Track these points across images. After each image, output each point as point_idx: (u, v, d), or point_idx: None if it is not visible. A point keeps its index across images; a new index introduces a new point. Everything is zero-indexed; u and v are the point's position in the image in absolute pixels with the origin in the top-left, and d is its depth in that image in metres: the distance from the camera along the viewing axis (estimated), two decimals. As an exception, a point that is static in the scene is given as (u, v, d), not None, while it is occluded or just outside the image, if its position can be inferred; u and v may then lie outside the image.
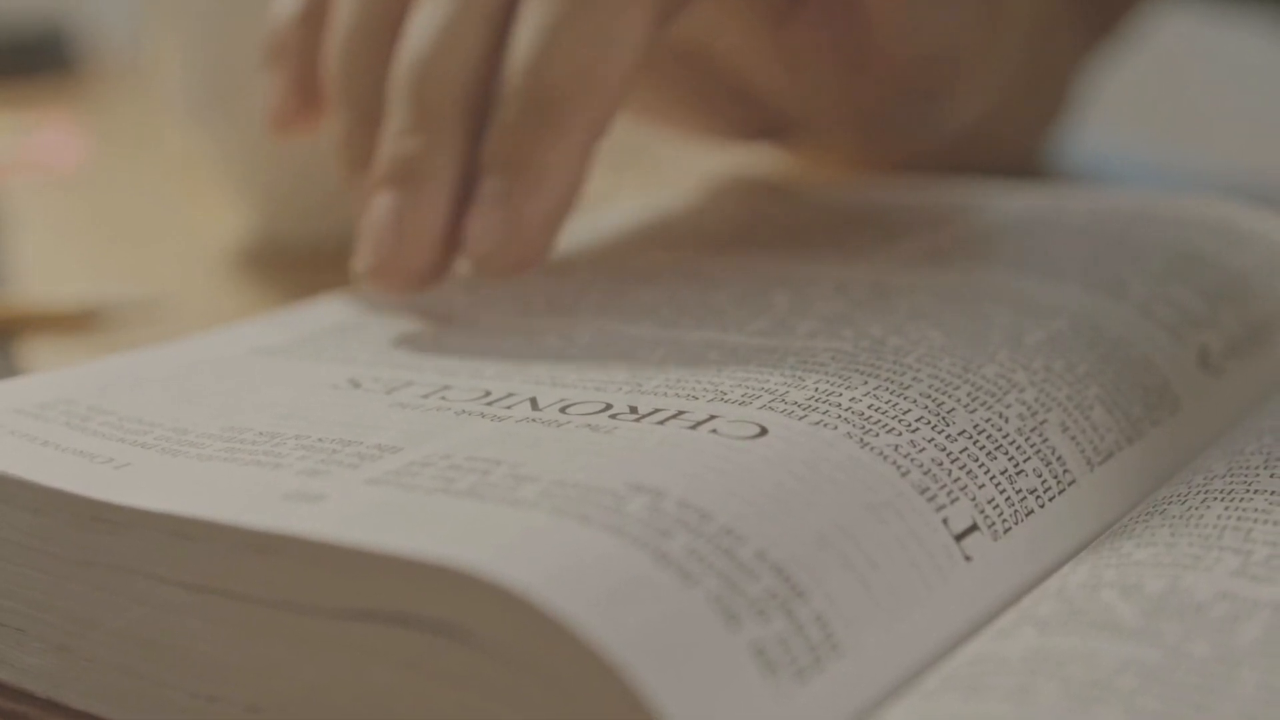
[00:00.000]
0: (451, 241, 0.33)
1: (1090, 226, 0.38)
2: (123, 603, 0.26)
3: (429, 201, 0.33)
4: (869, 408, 0.27)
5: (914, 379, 0.28)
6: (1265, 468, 0.28)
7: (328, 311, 0.36)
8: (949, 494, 0.26)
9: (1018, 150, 0.53)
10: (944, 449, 0.27)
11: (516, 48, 0.32)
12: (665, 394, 0.28)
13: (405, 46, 0.34)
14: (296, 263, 0.54)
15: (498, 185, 0.32)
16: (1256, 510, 0.26)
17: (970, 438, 0.27)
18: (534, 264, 0.33)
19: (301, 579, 0.23)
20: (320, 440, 0.27)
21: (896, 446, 0.26)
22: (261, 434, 0.28)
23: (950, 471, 0.26)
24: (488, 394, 0.29)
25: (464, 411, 0.28)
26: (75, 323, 0.47)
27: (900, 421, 0.27)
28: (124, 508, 0.25)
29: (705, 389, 0.28)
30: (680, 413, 0.27)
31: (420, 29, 0.33)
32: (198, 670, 0.25)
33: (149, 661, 0.26)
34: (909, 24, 0.38)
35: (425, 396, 0.29)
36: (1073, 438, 0.29)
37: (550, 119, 0.32)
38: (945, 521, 0.25)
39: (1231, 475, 0.28)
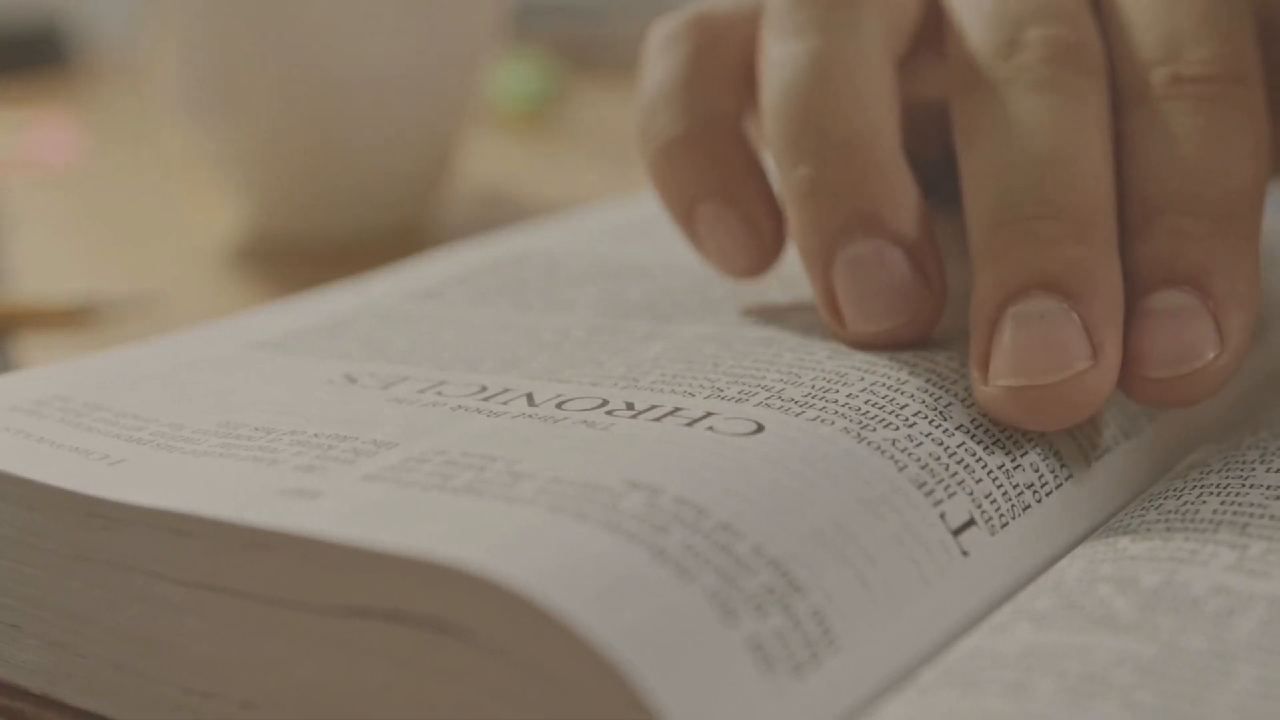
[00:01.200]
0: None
1: None
2: (118, 599, 0.26)
3: (1118, 319, 0.28)
4: (866, 403, 0.27)
5: (911, 374, 0.28)
6: (1261, 462, 0.28)
7: (324, 307, 0.36)
8: (946, 489, 0.26)
9: None
10: (941, 444, 0.27)
11: (1161, 157, 0.29)
12: (662, 390, 0.28)
13: (1023, 144, 0.29)
14: (293, 259, 0.54)
15: (1187, 300, 0.28)
16: (1252, 505, 0.26)
17: (968, 432, 0.27)
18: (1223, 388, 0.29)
19: (297, 576, 0.23)
20: (316, 436, 0.27)
21: (894, 441, 0.26)
22: (257, 429, 0.28)
23: (948, 466, 0.26)
24: (484, 389, 0.29)
25: (460, 407, 0.28)
26: (71, 319, 0.47)
27: (897, 416, 0.27)
28: (119, 504, 0.25)
29: (702, 385, 0.28)
30: (677, 409, 0.27)
31: (1042, 129, 0.29)
32: (193, 667, 0.25)
33: (144, 658, 0.26)
34: None
35: (421, 392, 0.29)
36: (1070, 433, 0.29)
37: (1240, 230, 0.29)
38: (943, 516, 0.25)
39: (1228, 470, 0.28)
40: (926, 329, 0.30)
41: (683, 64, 0.34)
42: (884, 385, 0.28)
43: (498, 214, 0.59)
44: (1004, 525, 0.26)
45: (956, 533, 0.25)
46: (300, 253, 0.54)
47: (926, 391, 0.28)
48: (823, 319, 0.31)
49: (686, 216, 0.34)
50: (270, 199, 0.56)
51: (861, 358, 0.29)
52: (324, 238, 0.55)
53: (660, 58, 0.35)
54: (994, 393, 0.28)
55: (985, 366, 0.28)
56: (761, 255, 0.33)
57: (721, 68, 0.34)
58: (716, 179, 0.33)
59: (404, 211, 0.56)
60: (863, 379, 0.28)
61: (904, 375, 0.28)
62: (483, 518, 0.23)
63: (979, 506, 0.26)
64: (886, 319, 0.30)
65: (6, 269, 0.54)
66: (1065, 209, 0.28)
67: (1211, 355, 0.28)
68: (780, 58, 0.32)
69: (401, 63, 0.53)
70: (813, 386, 0.28)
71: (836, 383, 0.28)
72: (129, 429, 0.28)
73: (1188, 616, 0.23)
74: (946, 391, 0.28)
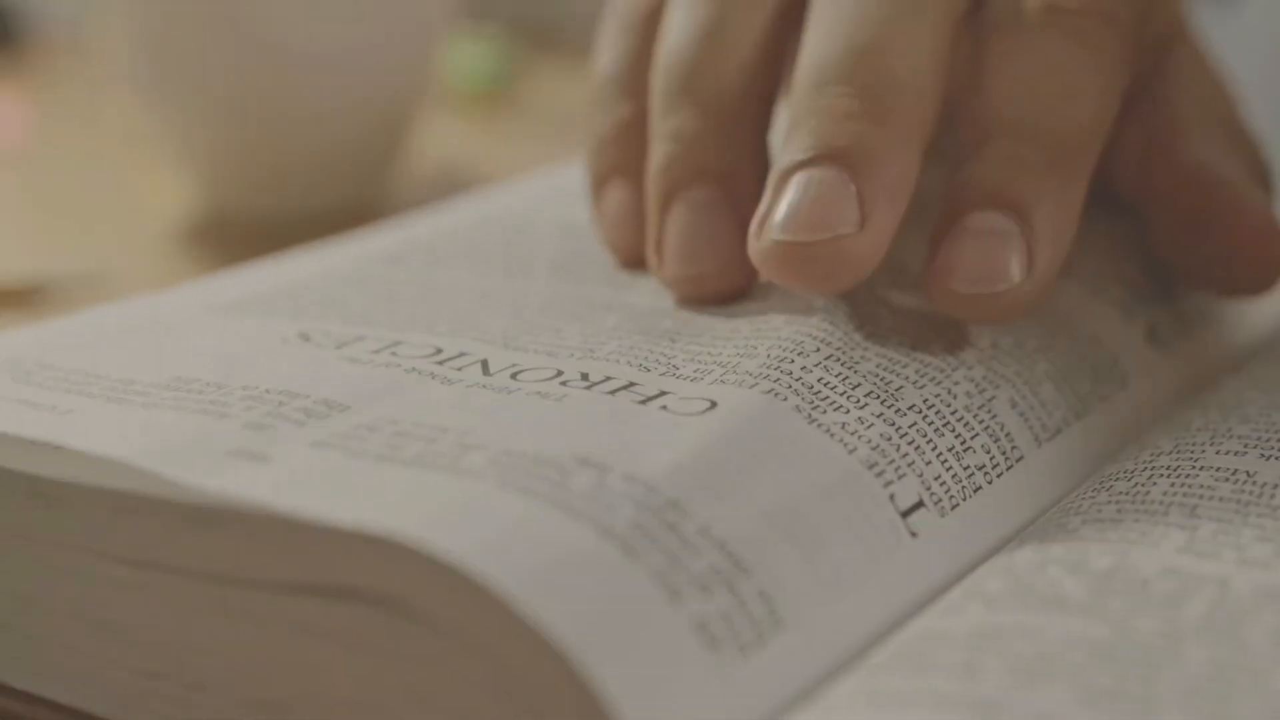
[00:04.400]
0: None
1: None
2: (62, 579, 0.25)
3: (897, 199, 0.29)
4: (819, 381, 0.27)
5: (863, 355, 0.28)
6: (1211, 444, 0.28)
7: (281, 270, 0.36)
8: (896, 470, 0.26)
9: None
10: (892, 424, 0.27)
11: (1014, 81, 0.30)
12: (618, 361, 0.28)
13: (846, 30, 0.30)
14: (243, 237, 0.53)
15: (1004, 223, 0.29)
16: (1203, 487, 0.26)
17: (919, 413, 0.27)
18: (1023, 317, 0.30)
19: (243, 553, 0.23)
20: (267, 391, 0.27)
21: (844, 424, 0.26)
22: (208, 384, 0.27)
23: (898, 447, 0.26)
24: (439, 351, 0.29)
25: (414, 369, 0.28)
26: (20, 298, 0.46)
27: (848, 398, 0.27)
28: (62, 482, 0.25)
29: (657, 360, 0.28)
30: (631, 384, 0.27)
31: (866, 16, 0.30)
32: (140, 648, 0.25)
33: (90, 639, 0.25)
34: None
35: (376, 352, 0.29)
36: (1021, 414, 0.28)
37: (1073, 167, 0.30)
38: (892, 498, 0.25)
39: (1178, 452, 0.28)
40: (737, 284, 0.31)
41: (634, 48, 0.35)
42: (838, 363, 0.28)
43: (452, 193, 0.58)
44: (954, 507, 0.26)
45: (906, 514, 0.25)
46: (251, 231, 0.54)
47: (878, 374, 0.28)
48: (648, 260, 0.32)
49: (597, 189, 0.35)
50: (221, 177, 0.55)
51: (817, 328, 0.29)
52: (275, 216, 0.55)
53: (616, 41, 0.36)
54: (763, 246, 0.29)
55: (764, 224, 0.29)
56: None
57: None
58: (636, 162, 0.34)
59: (356, 189, 0.56)
60: (817, 351, 0.28)
61: (856, 356, 0.28)
62: (429, 491, 0.23)
63: (929, 488, 0.26)
64: (701, 263, 0.31)
65: (-46, 247, 0.54)
66: (868, 90, 0.29)
67: (1016, 280, 0.29)
68: (677, 21, 0.33)
69: (353, 38, 0.53)
70: (768, 357, 0.27)
71: (792, 352, 0.28)
72: (79, 384, 0.28)
73: (1138, 598, 0.23)
74: (898, 373, 0.28)
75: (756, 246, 0.29)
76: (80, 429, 0.25)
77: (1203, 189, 0.34)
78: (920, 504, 0.26)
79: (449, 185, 0.60)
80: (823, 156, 0.29)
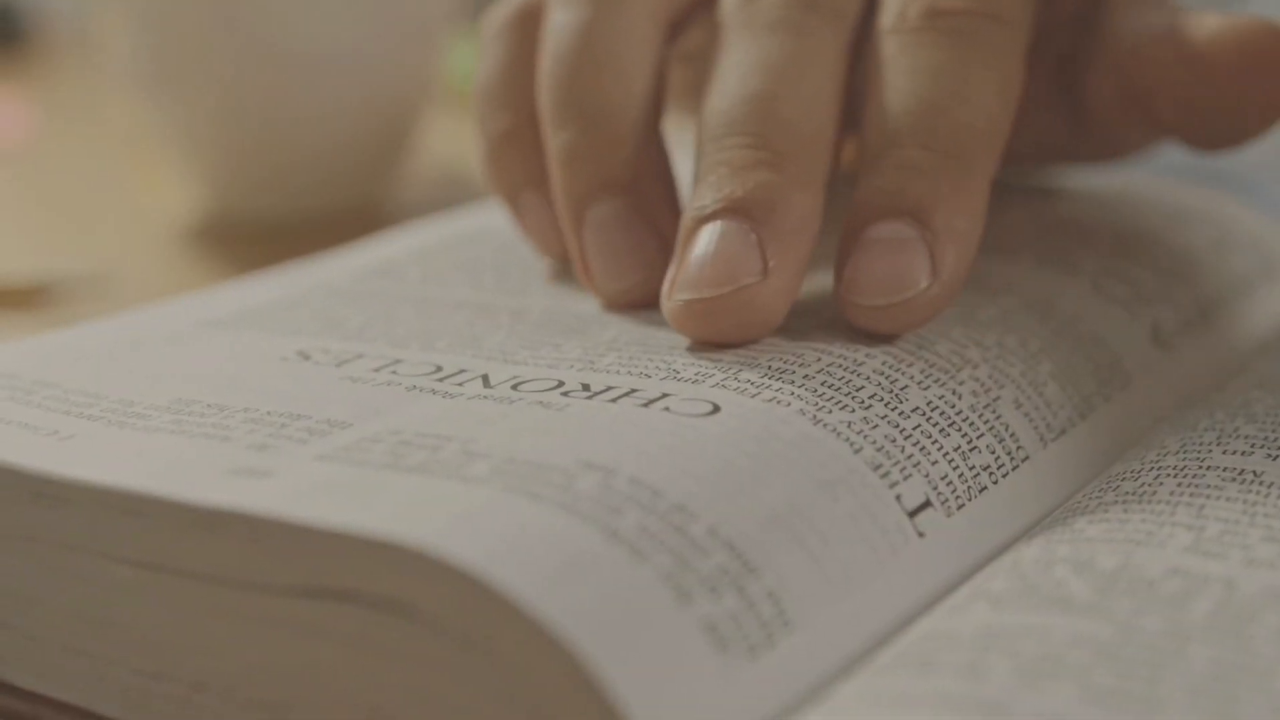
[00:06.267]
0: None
1: (1040, 206, 0.38)
2: (66, 580, 0.25)
3: (799, 243, 0.29)
4: (822, 384, 0.27)
5: (867, 356, 0.28)
6: (1218, 444, 0.28)
7: (276, 284, 0.36)
8: (902, 470, 0.26)
9: None
10: (897, 425, 0.27)
11: (902, 90, 0.30)
12: (618, 372, 0.28)
13: (741, 81, 0.31)
14: (246, 238, 0.53)
15: (905, 230, 0.29)
16: (1209, 486, 0.26)
17: (924, 414, 0.27)
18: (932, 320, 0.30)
19: (248, 556, 0.23)
20: (269, 414, 0.27)
21: (849, 423, 0.26)
22: (210, 406, 0.27)
23: (904, 448, 0.26)
24: (439, 369, 0.29)
25: (415, 387, 0.28)
26: (23, 299, 0.46)
27: (853, 398, 0.27)
28: (67, 483, 0.25)
29: (658, 367, 0.28)
30: (633, 390, 0.27)
31: (760, 66, 0.31)
32: (143, 648, 0.25)
33: (93, 639, 0.25)
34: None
35: (376, 370, 0.29)
36: (1026, 414, 0.28)
37: (967, 166, 0.30)
38: (899, 498, 0.25)
39: (1185, 452, 0.28)
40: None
41: (507, 57, 0.36)
42: (840, 367, 0.28)
43: (455, 194, 0.58)
44: (960, 507, 0.26)
45: (912, 514, 0.25)
46: (254, 232, 0.54)
47: (882, 374, 0.28)
48: (578, 277, 0.33)
49: (512, 204, 0.36)
50: (224, 177, 0.55)
51: (818, 339, 0.29)
52: (278, 217, 0.55)
53: (489, 50, 0.37)
54: (673, 306, 0.29)
55: (673, 284, 0.30)
56: None
57: None
58: (539, 170, 0.35)
59: (360, 190, 0.56)
60: (819, 359, 0.28)
61: (860, 357, 0.28)
62: (435, 497, 0.23)
63: (935, 488, 0.26)
64: (628, 276, 0.32)
65: (-44, 248, 0.54)
66: (763, 139, 0.30)
67: (923, 285, 0.29)
68: (554, 26, 0.34)
69: (356, 40, 0.53)
70: (769, 367, 0.28)
71: (793, 364, 0.28)
72: (79, 405, 0.28)
73: (1144, 598, 0.23)
74: (902, 374, 0.28)
75: (668, 306, 0.29)
76: (83, 457, 0.25)
77: (1192, 49, 0.33)
78: (927, 504, 0.26)
79: (451, 186, 0.60)
80: (724, 210, 0.29)
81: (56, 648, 0.26)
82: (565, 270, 0.35)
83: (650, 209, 0.32)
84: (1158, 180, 0.41)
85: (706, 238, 0.29)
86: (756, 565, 0.23)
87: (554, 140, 0.33)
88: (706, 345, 0.29)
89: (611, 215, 0.32)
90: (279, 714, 0.24)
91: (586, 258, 0.32)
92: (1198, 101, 0.33)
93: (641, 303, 0.31)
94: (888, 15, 0.32)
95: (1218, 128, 0.34)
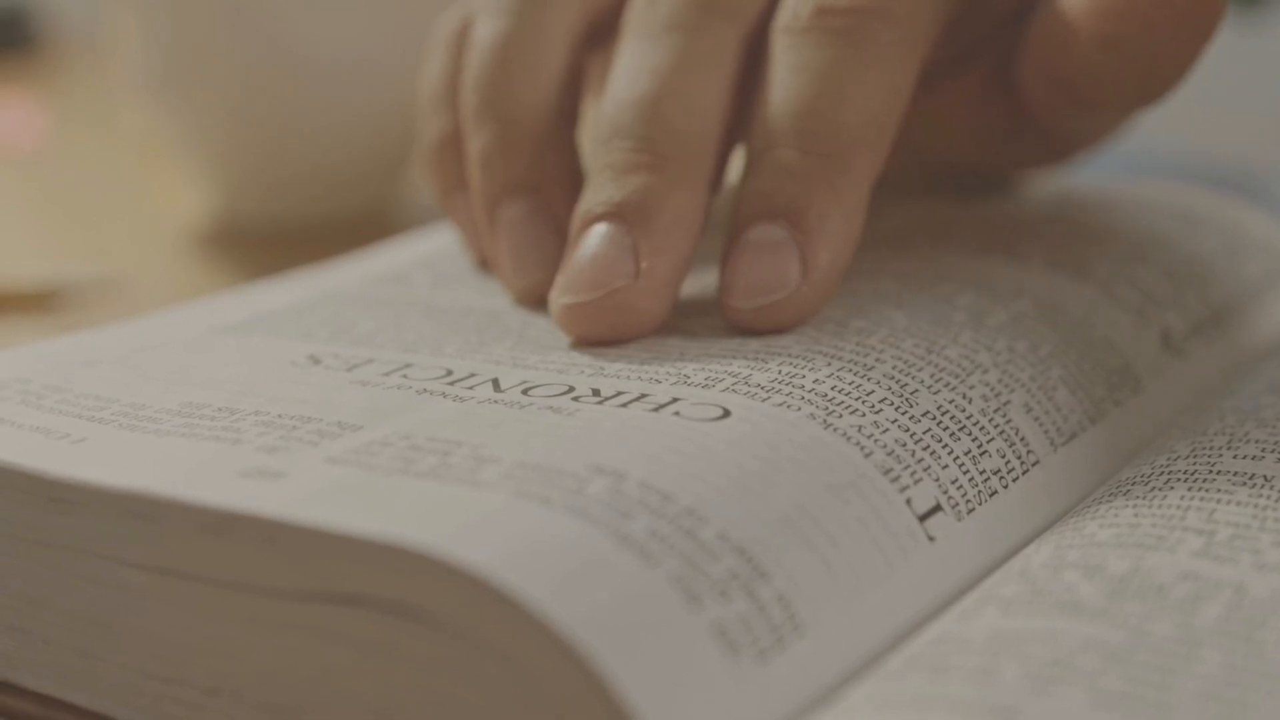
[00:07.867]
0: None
1: (1051, 210, 0.38)
2: (78, 584, 0.25)
3: (672, 243, 0.30)
4: (832, 389, 0.27)
5: (877, 360, 0.28)
6: (1229, 448, 0.28)
7: (287, 290, 0.36)
8: (912, 475, 0.26)
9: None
10: (907, 430, 0.27)
11: (784, 90, 0.31)
12: (628, 377, 0.28)
13: (628, 85, 0.32)
14: (257, 242, 0.53)
15: (777, 233, 0.30)
16: (1220, 491, 0.26)
17: (934, 419, 0.27)
18: (808, 318, 0.30)
19: (259, 560, 0.23)
20: (280, 416, 0.27)
21: (860, 428, 0.26)
22: (220, 409, 0.27)
23: (914, 452, 0.26)
24: (449, 373, 0.29)
25: (425, 390, 0.28)
26: (34, 303, 0.46)
27: (863, 403, 0.27)
28: (80, 486, 0.25)
29: (668, 372, 0.28)
30: (643, 395, 0.27)
31: (647, 69, 0.32)
32: (154, 652, 0.25)
33: (105, 643, 0.25)
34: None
35: (386, 374, 0.29)
36: (1036, 418, 0.28)
37: (842, 167, 0.30)
38: (909, 502, 0.25)
39: (1195, 456, 0.28)
40: None
41: (447, 66, 0.37)
42: (850, 371, 0.28)
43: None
44: (970, 511, 0.26)
45: (923, 518, 0.25)
46: (265, 236, 0.54)
47: (892, 378, 0.28)
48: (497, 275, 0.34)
49: (445, 204, 0.37)
50: (234, 182, 0.55)
51: (828, 344, 0.29)
52: (289, 221, 0.55)
53: (431, 59, 0.38)
54: (555, 310, 0.30)
55: (557, 285, 0.31)
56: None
57: None
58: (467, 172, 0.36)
59: (369, 195, 0.56)
60: (829, 364, 0.28)
61: (870, 361, 0.28)
62: (446, 502, 0.23)
63: (945, 492, 0.26)
64: (531, 273, 0.33)
65: (-32, 252, 0.54)
66: (646, 141, 0.31)
67: (794, 286, 0.29)
68: (476, 37, 0.35)
69: (368, 46, 0.53)
70: (779, 372, 0.28)
71: (803, 368, 0.28)
72: (90, 409, 0.28)
73: (1154, 603, 0.23)
74: (912, 378, 0.28)
75: (552, 309, 0.30)
76: (95, 460, 0.26)
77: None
78: (937, 508, 0.26)
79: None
80: (603, 214, 0.30)
81: (69, 651, 0.26)
82: (486, 267, 0.36)
83: (555, 208, 0.33)
84: (1168, 184, 0.41)
85: (586, 241, 0.30)
86: (767, 569, 0.23)
87: (471, 144, 0.34)
88: (596, 345, 0.30)
89: (518, 215, 0.33)
90: (291, 718, 0.24)
91: (496, 255, 0.34)
92: (1104, 68, 0.32)
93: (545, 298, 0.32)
94: (784, 14, 0.32)
95: (1133, 86, 0.33)
